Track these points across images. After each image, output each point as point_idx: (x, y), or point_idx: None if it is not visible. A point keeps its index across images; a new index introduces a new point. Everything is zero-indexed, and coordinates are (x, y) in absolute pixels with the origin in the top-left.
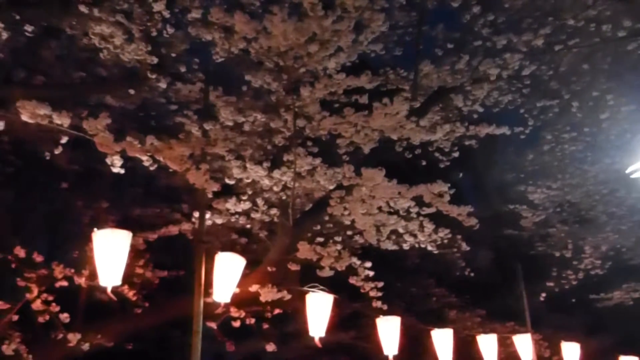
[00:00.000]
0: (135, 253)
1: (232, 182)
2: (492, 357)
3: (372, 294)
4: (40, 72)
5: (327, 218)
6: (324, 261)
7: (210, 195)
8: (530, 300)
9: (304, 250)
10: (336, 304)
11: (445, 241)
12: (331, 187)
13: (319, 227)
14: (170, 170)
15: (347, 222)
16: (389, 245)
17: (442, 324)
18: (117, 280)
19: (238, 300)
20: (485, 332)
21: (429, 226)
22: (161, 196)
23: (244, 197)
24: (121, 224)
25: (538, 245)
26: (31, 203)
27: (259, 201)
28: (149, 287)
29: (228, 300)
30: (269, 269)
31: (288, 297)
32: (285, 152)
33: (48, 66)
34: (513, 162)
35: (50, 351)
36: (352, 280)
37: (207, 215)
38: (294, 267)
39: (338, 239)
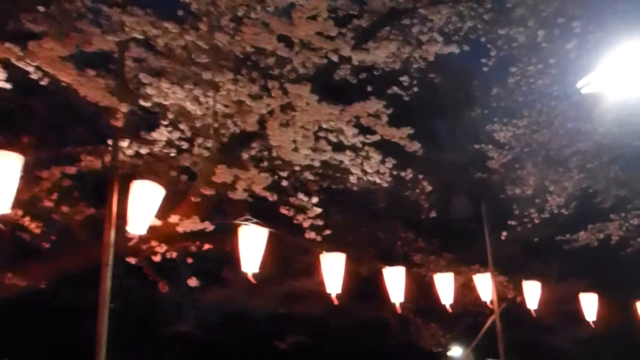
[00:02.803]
0: (52, 186)
1: (148, 104)
2: (449, 295)
3: (306, 224)
4: None
5: (266, 153)
6: (239, 183)
7: (119, 115)
8: (502, 246)
9: (221, 174)
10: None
11: (395, 173)
12: (264, 111)
13: (266, 164)
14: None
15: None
16: (302, 161)
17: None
18: (6, 208)
19: (163, 235)
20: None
21: (375, 156)
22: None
23: (165, 122)
24: (50, 162)
25: (508, 189)
26: None
27: (184, 127)
28: (72, 224)
29: (144, 232)
30: (193, 199)
31: (210, 228)
32: (207, 70)
33: None
34: (478, 99)
35: None
36: (284, 210)
37: (125, 143)
38: (208, 191)
39: (284, 174)
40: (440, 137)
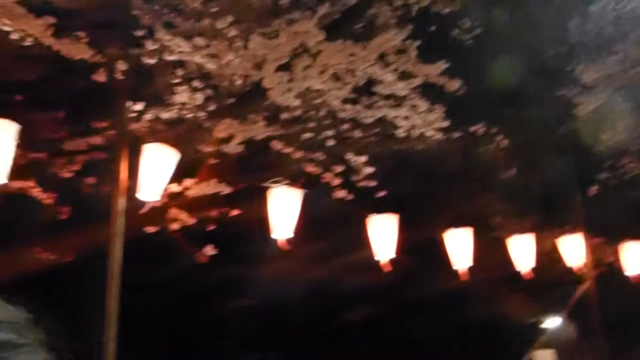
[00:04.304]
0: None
1: (152, 60)
2: (529, 260)
3: (336, 182)
4: None
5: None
6: (237, 135)
7: (118, 74)
8: (600, 205)
9: (225, 128)
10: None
11: (464, 128)
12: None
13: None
14: None
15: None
16: (292, 101)
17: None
18: (1, 179)
19: (185, 202)
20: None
21: (420, 104)
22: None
23: (176, 80)
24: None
25: (600, 140)
26: None
27: (198, 84)
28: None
29: (157, 199)
30: (211, 161)
31: (226, 191)
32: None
33: None
34: (555, 35)
35: None
36: (310, 168)
37: (138, 107)
38: (208, 148)
39: (330, 132)
40: (513, 85)
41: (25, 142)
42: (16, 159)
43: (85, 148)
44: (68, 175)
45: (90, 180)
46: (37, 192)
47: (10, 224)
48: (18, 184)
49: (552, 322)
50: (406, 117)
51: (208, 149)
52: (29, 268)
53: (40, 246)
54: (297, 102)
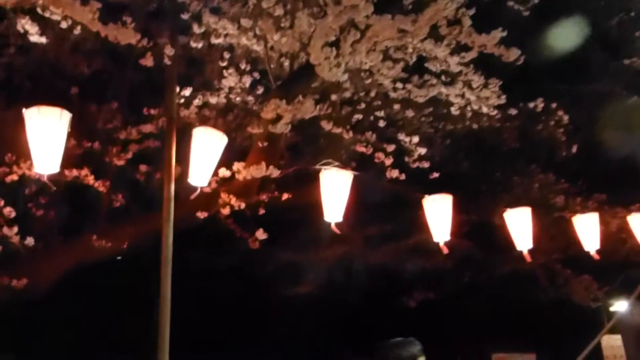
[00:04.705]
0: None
1: (198, 44)
2: (594, 240)
3: (388, 162)
4: None
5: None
6: (286, 115)
7: (168, 57)
8: None
9: (272, 109)
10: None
11: (500, 99)
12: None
13: (363, 105)
14: None
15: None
16: (341, 77)
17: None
18: (54, 168)
19: (235, 186)
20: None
21: (475, 78)
22: None
23: (223, 63)
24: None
25: None
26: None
27: (243, 66)
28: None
29: (205, 184)
30: (260, 144)
31: (275, 174)
32: None
33: None
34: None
35: None
36: (361, 148)
37: (187, 92)
38: (255, 129)
39: (380, 113)
40: (574, 57)
41: (80, 132)
42: (72, 149)
43: (138, 136)
44: (120, 163)
45: (144, 167)
46: (92, 181)
47: (69, 212)
48: (74, 173)
49: (620, 306)
50: (460, 95)
51: (258, 131)
52: (88, 256)
53: (96, 234)
54: (345, 78)
